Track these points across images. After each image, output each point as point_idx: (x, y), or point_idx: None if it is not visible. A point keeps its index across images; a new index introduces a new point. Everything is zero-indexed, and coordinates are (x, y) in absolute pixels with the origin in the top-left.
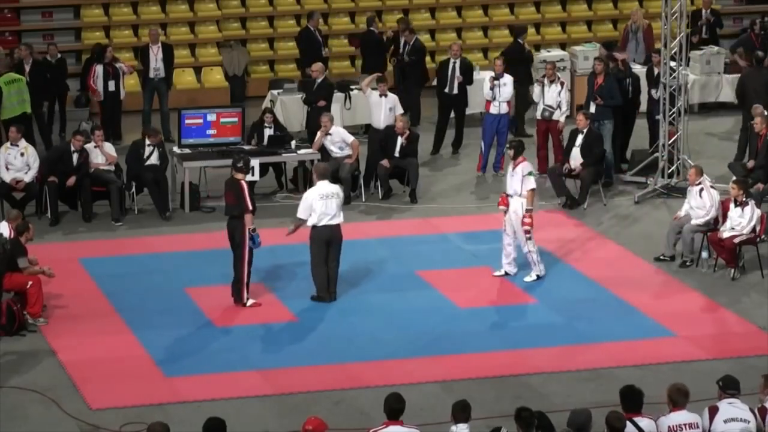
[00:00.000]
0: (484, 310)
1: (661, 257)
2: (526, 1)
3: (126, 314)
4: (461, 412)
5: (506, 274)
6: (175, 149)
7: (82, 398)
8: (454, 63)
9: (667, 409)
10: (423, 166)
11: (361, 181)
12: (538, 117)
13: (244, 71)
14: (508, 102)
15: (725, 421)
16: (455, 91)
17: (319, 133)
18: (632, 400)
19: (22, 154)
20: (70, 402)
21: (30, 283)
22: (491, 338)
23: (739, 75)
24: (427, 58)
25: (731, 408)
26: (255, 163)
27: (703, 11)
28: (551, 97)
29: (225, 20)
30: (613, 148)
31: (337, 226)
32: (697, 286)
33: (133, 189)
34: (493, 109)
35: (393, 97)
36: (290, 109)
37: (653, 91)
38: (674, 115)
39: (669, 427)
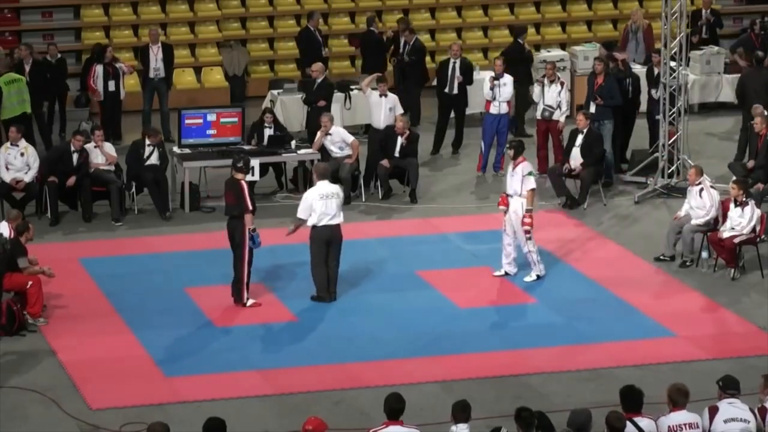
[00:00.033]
0: (484, 310)
1: (661, 257)
2: (526, 1)
3: (126, 314)
4: (461, 412)
5: (506, 274)
6: (175, 149)
7: (82, 398)
8: (454, 63)
9: (667, 409)
10: (423, 166)
11: (361, 181)
12: (538, 117)
13: (244, 71)
14: (508, 102)
15: (725, 421)
16: (455, 91)
17: (319, 133)
18: (632, 400)
19: (22, 154)
20: (70, 402)
21: (30, 283)
22: (491, 338)
23: (739, 75)
24: (427, 58)
25: (731, 408)
26: (255, 163)
27: (703, 11)
28: (551, 97)
29: (225, 20)
30: (613, 148)
31: (337, 226)
32: (697, 286)
33: (133, 189)
34: (493, 109)
35: (393, 97)
36: (290, 109)
37: (653, 91)
38: (674, 115)
39: (669, 427)
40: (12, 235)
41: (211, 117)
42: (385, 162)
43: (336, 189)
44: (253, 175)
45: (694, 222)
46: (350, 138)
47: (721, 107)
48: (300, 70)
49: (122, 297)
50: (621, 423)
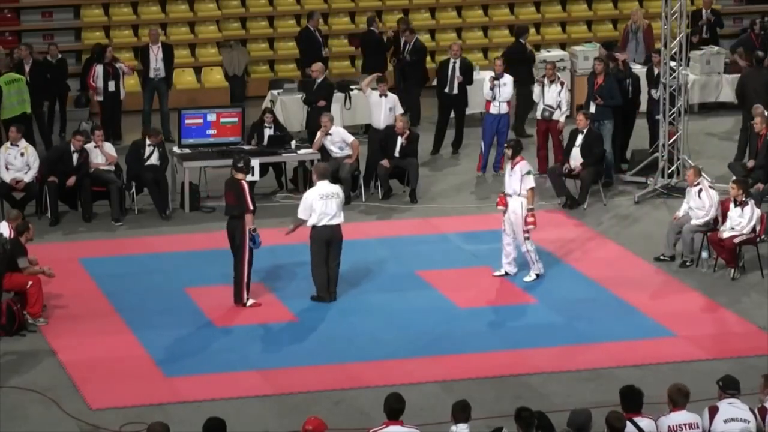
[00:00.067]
0: (484, 310)
1: (661, 257)
2: (526, 1)
3: (126, 314)
4: (461, 412)
5: (506, 274)
6: (175, 149)
7: (82, 398)
8: (454, 63)
9: (668, 409)
10: (423, 166)
11: (361, 181)
12: (538, 117)
13: (244, 71)
14: (508, 102)
15: (725, 421)
16: (455, 91)
17: (319, 133)
18: (632, 400)
19: (22, 154)
20: (70, 402)
21: (30, 283)
22: (491, 338)
23: (739, 75)
24: (427, 58)
25: (731, 408)
26: (255, 163)
27: (704, 11)
28: (551, 97)
29: (225, 20)
30: (613, 148)
31: (338, 226)
32: (697, 286)
33: (133, 189)
34: (493, 109)
35: (393, 97)
36: (290, 109)
37: (653, 91)
38: (674, 115)
39: (669, 427)
40: (12, 235)
41: (211, 117)
42: (385, 162)
43: (336, 189)
44: (253, 175)
45: (693, 222)
46: (350, 138)
47: (721, 107)
48: (300, 70)
49: (122, 297)
50: (621, 423)
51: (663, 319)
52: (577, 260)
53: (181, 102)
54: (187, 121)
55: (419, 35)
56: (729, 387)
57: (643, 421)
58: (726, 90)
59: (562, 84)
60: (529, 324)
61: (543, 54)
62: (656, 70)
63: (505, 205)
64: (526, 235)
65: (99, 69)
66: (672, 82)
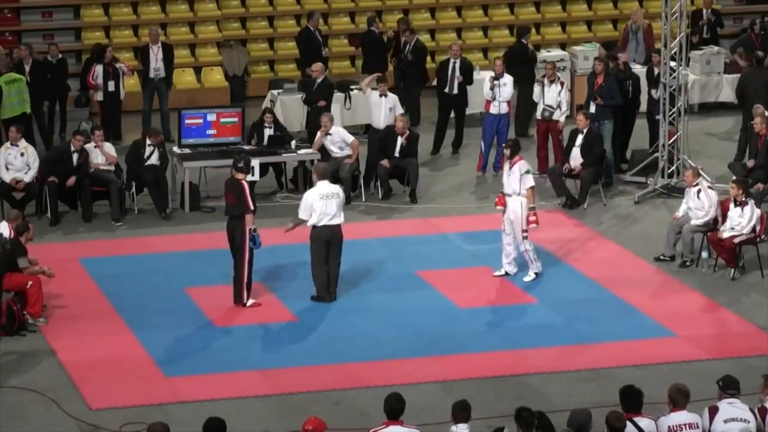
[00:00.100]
0: (484, 310)
1: (661, 257)
2: (526, 1)
3: (126, 314)
4: (461, 412)
5: (506, 274)
6: (175, 149)
7: (82, 398)
8: (454, 63)
9: (668, 409)
10: (423, 166)
11: (361, 181)
12: (538, 117)
13: (244, 71)
14: (508, 102)
15: (725, 421)
16: (455, 91)
17: (319, 133)
18: (632, 400)
19: (22, 154)
20: (70, 402)
21: (30, 283)
22: (491, 338)
23: (739, 75)
24: (427, 58)
25: (731, 408)
26: (255, 163)
27: (704, 11)
28: (551, 97)
29: (225, 20)
30: (613, 148)
31: (338, 226)
32: (697, 286)
33: (133, 189)
34: (493, 109)
35: (393, 97)
36: (290, 109)
37: (653, 91)
38: (674, 115)
39: (669, 427)
40: (12, 235)
41: (211, 117)
42: (385, 162)
43: (336, 189)
44: (253, 175)
45: (693, 222)
46: (350, 138)
47: (721, 107)
48: (300, 70)
49: (122, 297)
50: (621, 423)
51: (663, 319)
52: (577, 260)
53: (181, 102)
54: (187, 121)
55: (419, 35)
56: (729, 387)
57: (643, 421)
58: (726, 90)
59: (562, 84)
60: (529, 324)
61: (543, 54)
62: (656, 70)
63: (504, 205)
64: (525, 234)
65: (99, 69)
66: (672, 82)
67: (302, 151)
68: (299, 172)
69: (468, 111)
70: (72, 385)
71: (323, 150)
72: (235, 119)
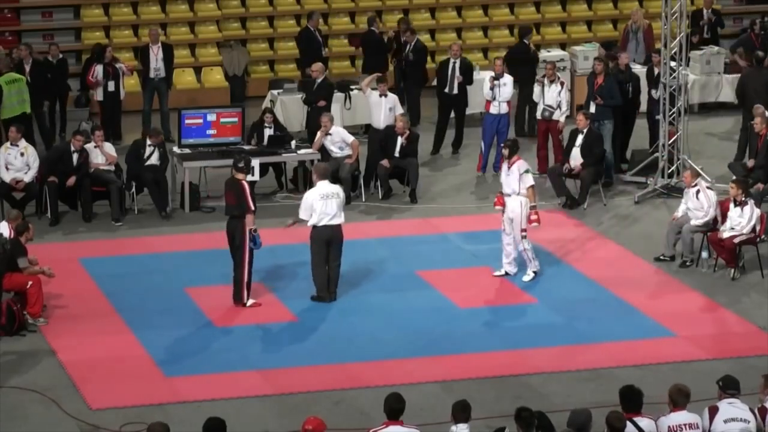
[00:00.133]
0: (484, 310)
1: (661, 257)
2: (526, 1)
3: (126, 314)
4: (461, 412)
5: (506, 273)
6: (175, 149)
7: (82, 398)
8: (454, 63)
9: (668, 409)
10: (423, 166)
11: (361, 181)
12: (538, 117)
13: (244, 71)
14: (508, 102)
15: (725, 421)
16: (455, 91)
17: (319, 133)
18: (632, 400)
19: (22, 154)
20: (70, 402)
21: (30, 283)
22: (491, 338)
23: (739, 75)
24: (427, 58)
25: (731, 408)
26: (255, 163)
27: (705, 11)
28: (551, 97)
29: (225, 20)
30: (613, 148)
31: (338, 226)
32: (697, 286)
33: (133, 189)
34: (493, 109)
35: (393, 97)
36: (290, 109)
37: (653, 91)
38: (674, 115)
39: (669, 427)
40: (12, 235)
41: (211, 117)
42: (385, 162)
43: (336, 189)
44: (253, 175)
45: (693, 223)
46: (350, 138)
47: (721, 107)
48: (300, 70)
49: (122, 297)
50: (621, 423)
51: (663, 319)
52: (577, 260)
53: (181, 102)
54: (187, 121)
55: (419, 35)
56: (729, 387)
57: (643, 421)
58: (726, 90)
59: (562, 84)
60: (529, 324)
61: (543, 54)
62: (656, 70)
63: (503, 204)
64: (524, 233)
65: (99, 69)
66: (672, 82)
67: (302, 151)
68: (299, 172)
69: (468, 111)
70: (72, 385)
71: (323, 150)
72: (235, 119)
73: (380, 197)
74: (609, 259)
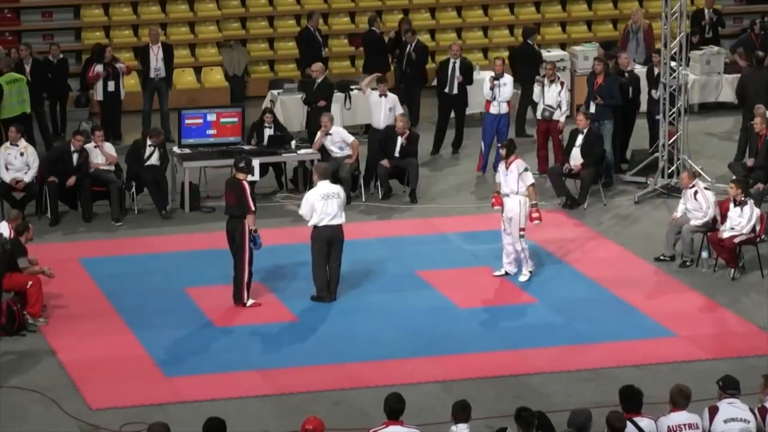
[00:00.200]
0: (485, 310)
1: (661, 257)
2: (526, 1)
3: (126, 314)
4: (461, 412)
5: (506, 273)
6: (175, 149)
7: (82, 398)
8: (454, 63)
9: (668, 409)
10: (423, 166)
11: (361, 181)
12: (538, 117)
13: (244, 71)
14: (508, 102)
15: (725, 421)
16: (455, 91)
17: (319, 133)
18: (632, 400)
19: (21, 154)
20: (70, 402)
21: (30, 283)
22: (491, 338)
23: (739, 75)
24: (428, 58)
25: (731, 408)
26: (255, 163)
27: (706, 11)
28: (551, 97)
29: (225, 20)
30: (613, 148)
31: (339, 226)
32: (697, 286)
33: (133, 189)
34: (493, 109)
35: (393, 97)
36: (290, 109)
37: (653, 91)
38: (674, 115)
39: (669, 427)
40: (12, 235)
41: (211, 117)
42: (385, 162)
43: (337, 189)
44: (253, 175)
45: (693, 223)
46: (350, 138)
47: (721, 107)
48: (300, 70)
49: (122, 297)
50: (621, 423)
51: (663, 319)
52: (577, 260)
53: (181, 102)
54: (187, 121)
55: (419, 35)
56: (729, 387)
57: (643, 421)
58: (726, 90)
59: (562, 84)
60: (529, 324)
61: (543, 54)
62: (656, 70)
63: (501, 205)
64: (522, 233)
65: (99, 69)
66: (672, 82)
67: (302, 151)
68: (299, 172)
69: (468, 111)
70: (72, 385)
71: (323, 150)
72: (235, 119)
73: (380, 197)
74: (609, 259)
